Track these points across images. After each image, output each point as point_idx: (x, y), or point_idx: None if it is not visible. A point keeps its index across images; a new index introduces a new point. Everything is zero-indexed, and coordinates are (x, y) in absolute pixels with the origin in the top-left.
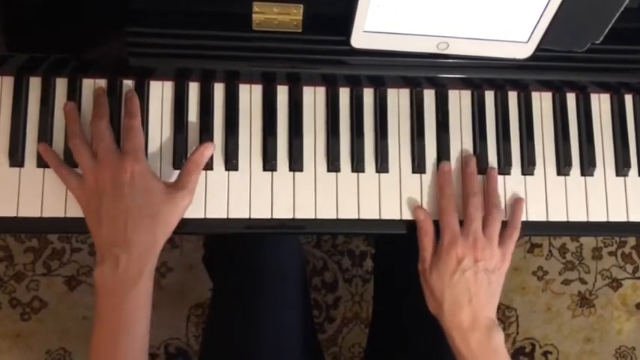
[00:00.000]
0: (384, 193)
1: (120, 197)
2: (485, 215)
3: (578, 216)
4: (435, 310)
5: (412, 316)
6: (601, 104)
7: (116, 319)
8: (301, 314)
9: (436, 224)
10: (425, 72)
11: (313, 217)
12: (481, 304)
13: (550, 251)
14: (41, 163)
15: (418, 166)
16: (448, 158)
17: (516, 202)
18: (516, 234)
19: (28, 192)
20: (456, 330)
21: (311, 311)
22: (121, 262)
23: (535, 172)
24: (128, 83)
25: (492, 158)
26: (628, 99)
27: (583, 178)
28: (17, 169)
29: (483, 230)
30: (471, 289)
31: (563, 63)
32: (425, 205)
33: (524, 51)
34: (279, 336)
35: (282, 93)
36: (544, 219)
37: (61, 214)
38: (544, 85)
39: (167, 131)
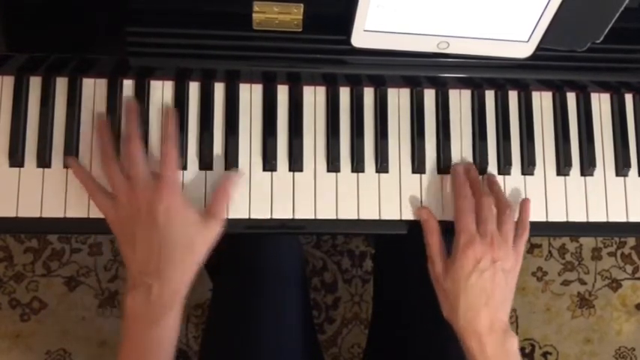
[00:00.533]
0: (384, 193)
1: (155, 226)
2: (498, 215)
3: (577, 216)
4: (449, 315)
5: (412, 317)
6: (601, 104)
7: (144, 345)
8: (301, 315)
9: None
10: (425, 71)
11: (313, 217)
12: (496, 306)
13: (549, 252)
14: (41, 163)
15: (418, 166)
16: (449, 158)
17: (523, 202)
18: (526, 234)
19: (28, 192)
20: (472, 334)
21: (310, 312)
22: (153, 290)
23: (535, 172)
24: (128, 83)
25: (492, 158)
26: (628, 98)
27: (583, 178)
28: (17, 169)
29: (498, 230)
30: (487, 290)
31: (563, 62)
32: (424, 205)
33: (524, 50)
34: (278, 337)
35: (283, 93)
36: (544, 219)
37: (61, 215)
38: (544, 85)
39: None
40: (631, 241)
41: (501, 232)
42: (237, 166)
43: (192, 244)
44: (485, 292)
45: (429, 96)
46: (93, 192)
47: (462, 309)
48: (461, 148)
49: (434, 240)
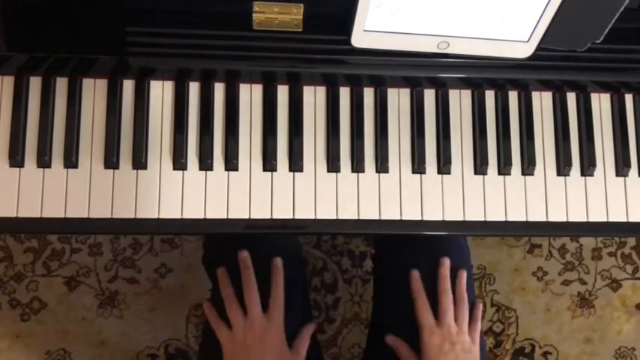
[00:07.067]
0: (384, 193)
1: (262, 352)
2: (455, 309)
3: (577, 216)
4: None
5: (412, 317)
6: (601, 104)
7: None
8: (300, 315)
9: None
10: (425, 72)
11: (313, 217)
12: None
13: (550, 252)
14: (41, 163)
15: (418, 166)
16: (449, 158)
17: (475, 306)
18: (479, 325)
19: (28, 192)
20: None
21: (310, 312)
22: None
23: (535, 172)
24: (128, 83)
25: (492, 158)
26: (628, 98)
27: (583, 178)
28: (17, 169)
29: (456, 320)
30: None
31: (563, 62)
32: (424, 206)
33: (524, 50)
34: None
35: (283, 93)
36: (544, 219)
37: (61, 215)
38: (544, 85)
39: (167, 131)
40: (631, 241)
41: (457, 322)
42: (237, 166)
43: None
44: None
45: (429, 96)
46: (217, 326)
47: None
48: (461, 148)
49: (402, 352)
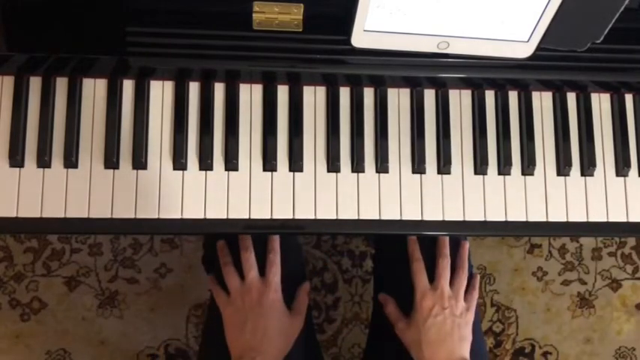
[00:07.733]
0: (384, 193)
1: (260, 315)
2: (453, 275)
3: (578, 216)
4: (418, 355)
5: None
6: (601, 104)
7: None
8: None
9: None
10: (425, 72)
11: (313, 217)
12: (454, 343)
13: (550, 252)
14: (41, 163)
15: (418, 166)
16: (448, 158)
17: (473, 277)
18: (476, 293)
19: (28, 192)
20: None
21: (310, 312)
22: None
23: (535, 172)
24: (128, 83)
25: (492, 158)
26: (628, 98)
27: (583, 178)
28: (17, 169)
29: (451, 286)
30: (442, 330)
31: (563, 62)
32: (424, 206)
33: (524, 50)
34: None
35: (283, 93)
36: (544, 219)
37: (61, 215)
38: (544, 85)
39: (167, 131)
40: (631, 241)
41: (453, 288)
42: (237, 166)
43: (285, 331)
44: (441, 332)
45: (429, 96)
46: (217, 293)
47: (425, 347)
48: (461, 149)
49: (390, 310)
